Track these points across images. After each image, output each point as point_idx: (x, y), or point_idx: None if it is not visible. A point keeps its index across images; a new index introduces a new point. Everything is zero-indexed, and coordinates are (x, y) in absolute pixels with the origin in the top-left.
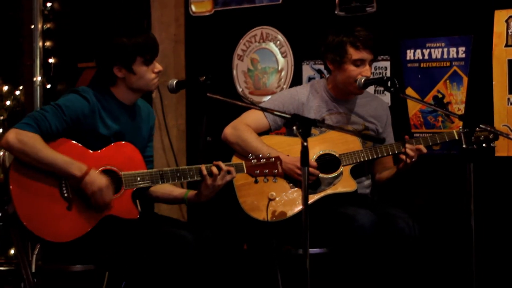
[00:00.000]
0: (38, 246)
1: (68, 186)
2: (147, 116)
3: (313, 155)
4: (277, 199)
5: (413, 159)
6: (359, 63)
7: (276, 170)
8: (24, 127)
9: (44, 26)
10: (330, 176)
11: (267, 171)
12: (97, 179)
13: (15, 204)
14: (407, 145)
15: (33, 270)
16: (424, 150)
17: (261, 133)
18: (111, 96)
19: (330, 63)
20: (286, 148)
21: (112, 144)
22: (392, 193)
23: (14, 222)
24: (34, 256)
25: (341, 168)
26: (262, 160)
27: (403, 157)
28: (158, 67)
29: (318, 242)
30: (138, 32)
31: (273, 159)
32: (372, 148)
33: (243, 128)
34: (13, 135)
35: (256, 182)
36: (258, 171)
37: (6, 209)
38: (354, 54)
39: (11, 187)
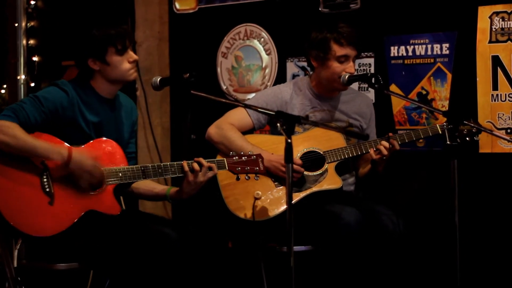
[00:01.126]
0: (20, 241)
1: (50, 180)
2: (130, 112)
3: (297, 153)
4: (262, 198)
5: (384, 157)
6: (343, 59)
7: (257, 168)
8: (2, 118)
9: (28, 24)
10: (315, 173)
11: (248, 168)
12: (83, 161)
13: None
14: (382, 142)
15: (15, 265)
16: (397, 147)
17: (245, 132)
18: (91, 89)
19: (314, 60)
20: (271, 146)
21: (94, 140)
22: (376, 190)
23: None
24: (16, 252)
25: (326, 165)
26: (243, 158)
27: (373, 154)
28: (133, 56)
29: (304, 239)
30: (109, 25)
31: (254, 156)
32: (356, 144)
33: (227, 127)
34: None
35: (237, 179)
36: (239, 168)
37: None
38: (338, 50)
39: None
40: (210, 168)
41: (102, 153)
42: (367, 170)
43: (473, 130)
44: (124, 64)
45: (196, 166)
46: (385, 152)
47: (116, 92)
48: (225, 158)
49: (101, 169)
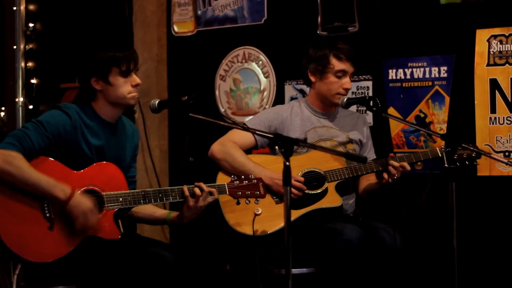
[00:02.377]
0: (19, 266)
1: (50, 206)
2: (132, 136)
3: (298, 173)
4: (262, 214)
5: (395, 177)
6: (340, 74)
7: (258, 192)
8: (8, 147)
9: (27, 46)
10: (315, 192)
11: (249, 192)
12: (82, 203)
13: None
14: (392, 162)
15: None
16: (408, 168)
17: (248, 150)
18: (93, 112)
19: (312, 74)
20: (272, 166)
21: (95, 164)
22: (374, 209)
23: None
24: (15, 276)
25: (326, 185)
26: (244, 182)
27: (385, 175)
28: (136, 80)
29: (305, 260)
30: (116, 46)
31: (255, 180)
32: (356, 165)
33: (230, 144)
34: None
35: (238, 203)
36: (240, 193)
37: None
38: (337, 65)
39: None
40: (210, 193)
41: (103, 177)
42: (371, 187)
43: (473, 155)
44: (127, 86)
45: (197, 191)
46: (394, 172)
47: (118, 116)
48: (225, 183)
49: (98, 215)
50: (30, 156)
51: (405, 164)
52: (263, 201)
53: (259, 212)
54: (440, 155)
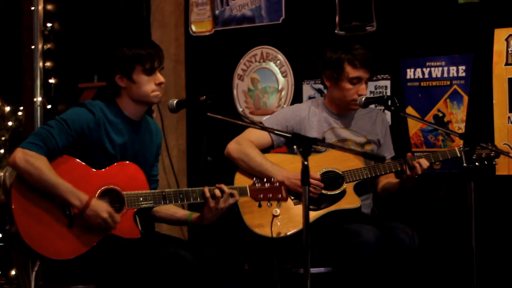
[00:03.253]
0: (38, 263)
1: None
2: (155, 134)
3: (316, 172)
4: (280, 215)
5: (416, 175)
6: (355, 81)
7: (280, 195)
8: (32, 148)
9: (45, 46)
10: (333, 192)
11: (271, 195)
12: (99, 210)
13: (17, 222)
14: (419, 160)
15: (33, 287)
16: (427, 163)
17: (265, 149)
18: (118, 109)
19: (327, 80)
20: (289, 166)
21: (116, 163)
22: (392, 209)
23: (15, 241)
24: (34, 273)
25: (345, 185)
26: (266, 185)
27: (409, 171)
28: (160, 78)
29: (322, 260)
30: (142, 44)
31: (278, 183)
32: (374, 165)
33: (247, 143)
34: (21, 155)
35: (259, 206)
36: (262, 196)
37: (7, 229)
38: (351, 72)
39: (13, 206)
40: (231, 195)
41: (124, 177)
42: (390, 187)
43: (492, 154)
44: (150, 84)
45: (217, 192)
46: (419, 170)
47: (141, 113)
48: (247, 185)
49: (117, 218)
50: (53, 155)
51: (424, 160)
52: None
53: (278, 213)
54: (459, 155)
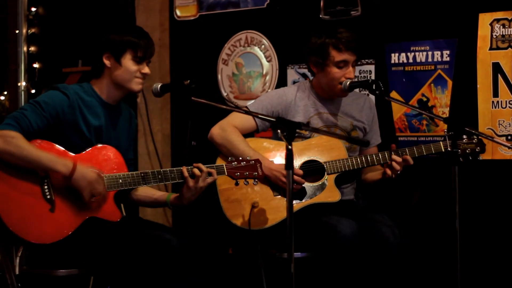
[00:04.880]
0: (21, 249)
1: (51, 187)
2: (129, 119)
3: (298, 163)
4: (260, 206)
5: (398, 172)
6: (342, 65)
7: (256, 173)
8: (6, 127)
9: (29, 31)
10: (314, 184)
11: (247, 173)
12: (86, 174)
13: None
14: (394, 157)
15: (17, 272)
16: (411, 162)
17: (248, 134)
18: (93, 92)
19: (314, 66)
20: (273, 151)
21: (93, 147)
22: (376, 198)
23: None
24: (18, 259)
25: (326, 177)
26: (242, 163)
27: (389, 171)
28: (146, 69)
29: (301, 247)
30: (137, 32)
31: (253, 161)
32: (357, 157)
33: (230, 130)
34: None
35: (236, 184)
36: (238, 173)
37: None
38: (337, 56)
39: None
40: (209, 174)
41: (102, 160)
42: (373, 178)
43: (477, 150)
44: (135, 72)
45: (196, 171)
46: (398, 168)
47: (119, 99)
48: (224, 164)
49: (103, 181)
50: (28, 137)
51: (408, 158)
52: (261, 193)
53: (257, 204)
54: (443, 150)
